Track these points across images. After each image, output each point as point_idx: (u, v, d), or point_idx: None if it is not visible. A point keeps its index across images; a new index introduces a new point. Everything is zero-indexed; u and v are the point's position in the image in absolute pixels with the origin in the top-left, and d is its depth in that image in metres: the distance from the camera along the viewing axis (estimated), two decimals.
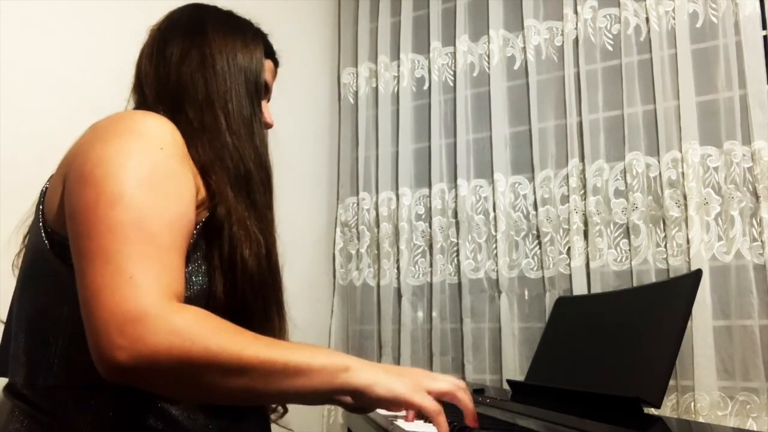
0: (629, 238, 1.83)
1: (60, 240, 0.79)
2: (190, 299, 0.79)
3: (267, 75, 1.00)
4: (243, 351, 0.69)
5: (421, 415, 0.83)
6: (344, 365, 0.74)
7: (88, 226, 0.72)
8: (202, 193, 0.84)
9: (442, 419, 0.77)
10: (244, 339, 0.71)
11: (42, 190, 0.88)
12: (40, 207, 0.85)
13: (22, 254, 0.92)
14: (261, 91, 0.98)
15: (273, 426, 0.98)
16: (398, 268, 2.16)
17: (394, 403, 0.76)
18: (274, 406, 0.96)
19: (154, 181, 0.75)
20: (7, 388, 0.85)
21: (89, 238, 0.71)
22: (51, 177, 0.89)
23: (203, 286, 0.83)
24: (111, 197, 0.72)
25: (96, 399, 0.79)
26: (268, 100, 1.04)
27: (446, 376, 0.83)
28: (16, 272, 0.92)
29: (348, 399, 0.76)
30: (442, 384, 0.80)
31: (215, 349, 0.67)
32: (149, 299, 0.67)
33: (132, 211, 0.72)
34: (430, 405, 0.76)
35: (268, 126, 1.02)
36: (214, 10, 1.00)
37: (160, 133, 0.81)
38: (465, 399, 0.81)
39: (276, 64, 1.05)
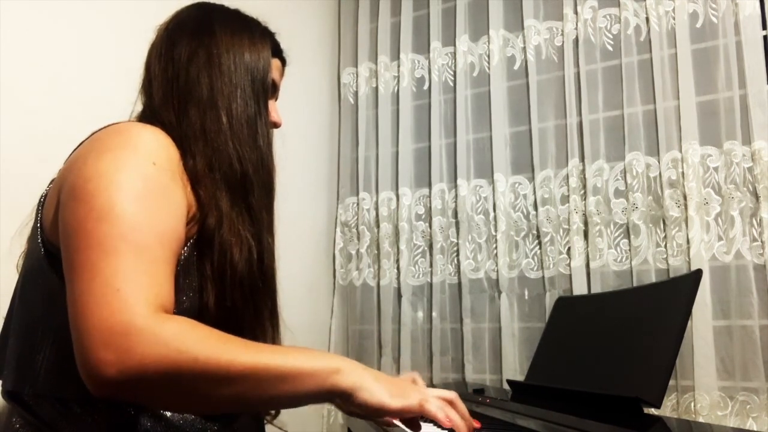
0: (629, 238, 1.83)
1: (54, 251, 0.79)
2: (182, 313, 0.77)
3: (274, 73, 1.00)
4: (233, 359, 0.67)
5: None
6: (335, 367, 0.73)
7: (77, 240, 0.71)
8: (194, 208, 0.84)
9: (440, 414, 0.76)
10: (233, 347, 0.69)
11: (41, 196, 0.88)
12: (39, 214, 0.85)
13: (24, 256, 0.92)
14: (268, 90, 0.97)
15: (268, 427, 0.98)
16: (398, 268, 2.16)
17: (377, 409, 0.73)
18: None
19: (144, 195, 0.75)
20: (4, 389, 0.85)
21: (78, 251, 0.71)
22: (51, 182, 0.89)
23: (195, 300, 0.83)
24: (101, 211, 0.71)
25: (83, 409, 0.79)
26: (276, 99, 1.04)
27: (440, 391, 0.80)
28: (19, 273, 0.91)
29: (338, 401, 0.74)
30: (432, 403, 0.77)
31: (204, 359, 0.66)
32: (136, 311, 0.66)
33: (121, 224, 0.71)
34: (416, 407, 0.75)
35: (276, 125, 1.01)
36: (222, 9, 1.00)
37: (154, 147, 0.80)
38: (453, 416, 0.77)
39: (284, 62, 1.04)
